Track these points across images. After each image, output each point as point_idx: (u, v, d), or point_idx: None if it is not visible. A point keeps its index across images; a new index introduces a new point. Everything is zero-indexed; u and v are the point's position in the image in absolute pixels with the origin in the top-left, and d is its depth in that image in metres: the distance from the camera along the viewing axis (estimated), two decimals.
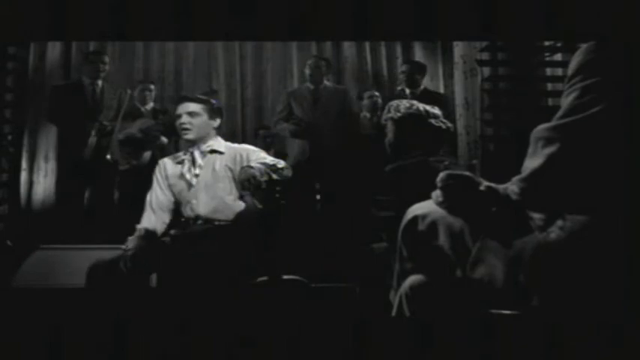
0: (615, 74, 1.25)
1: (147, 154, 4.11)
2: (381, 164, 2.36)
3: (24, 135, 5.03)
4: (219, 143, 2.66)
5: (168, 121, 4.21)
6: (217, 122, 2.68)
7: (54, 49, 5.22)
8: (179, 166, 2.65)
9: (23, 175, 5.03)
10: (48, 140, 5.09)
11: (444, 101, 4.44)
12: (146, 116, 4.43)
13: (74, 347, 1.39)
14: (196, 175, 2.58)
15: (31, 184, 5.07)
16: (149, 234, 2.52)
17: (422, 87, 4.45)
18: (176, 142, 4.45)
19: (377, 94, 4.82)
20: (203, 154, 2.62)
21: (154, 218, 2.60)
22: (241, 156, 2.56)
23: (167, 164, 2.69)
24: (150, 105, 4.61)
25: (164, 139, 4.29)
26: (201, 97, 2.72)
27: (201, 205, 2.55)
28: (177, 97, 2.83)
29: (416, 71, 4.46)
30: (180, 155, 2.69)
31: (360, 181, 3.64)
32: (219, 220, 2.53)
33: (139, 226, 2.56)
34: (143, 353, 1.39)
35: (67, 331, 1.41)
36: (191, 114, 2.60)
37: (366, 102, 4.75)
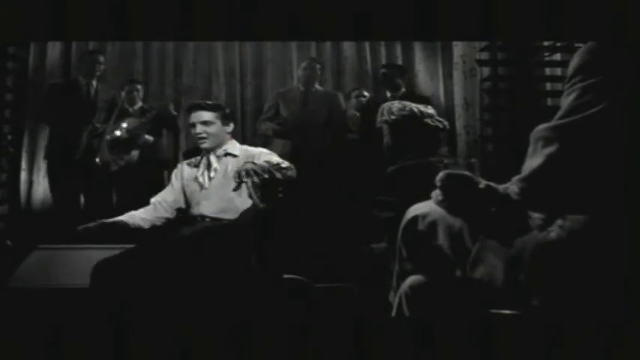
0: (615, 74, 1.25)
1: (134, 154, 4.12)
2: (377, 165, 2.36)
3: (24, 135, 5.03)
4: (233, 146, 2.72)
5: (155, 117, 4.22)
6: (231, 127, 2.73)
7: (54, 49, 5.22)
8: (195, 169, 2.71)
9: (23, 175, 5.03)
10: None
11: (428, 104, 4.42)
12: (134, 116, 4.41)
13: (74, 347, 1.39)
14: (210, 178, 2.63)
15: (30, 184, 5.06)
16: (132, 216, 2.62)
17: (403, 89, 4.40)
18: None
19: (365, 93, 4.81)
20: (218, 157, 2.67)
21: (150, 208, 2.68)
22: (253, 157, 2.57)
23: (184, 167, 2.76)
24: (138, 105, 4.59)
25: (149, 138, 4.25)
26: (213, 103, 2.75)
27: (211, 205, 2.59)
28: (189, 105, 2.81)
29: (396, 74, 4.39)
30: (196, 159, 2.74)
31: (357, 181, 3.63)
32: (225, 220, 2.56)
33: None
34: (143, 353, 1.39)
35: (67, 331, 1.41)
36: (205, 123, 2.64)
37: (353, 101, 4.75)
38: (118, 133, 4.03)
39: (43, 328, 1.41)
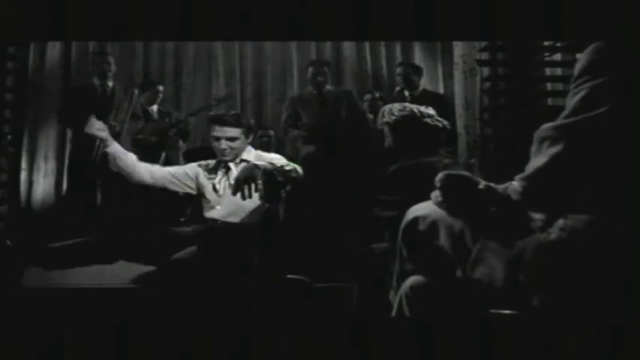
0: (622, 75, 1.25)
1: (163, 156, 4.15)
2: (382, 165, 2.37)
3: (24, 135, 5.03)
4: (249, 153, 2.72)
5: (182, 128, 4.26)
6: (251, 138, 2.75)
7: (54, 49, 5.22)
8: (211, 173, 2.71)
9: (23, 175, 5.03)
10: (48, 140, 5.10)
11: (443, 101, 4.44)
12: (152, 118, 4.45)
13: (74, 347, 1.39)
14: (230, 185, 2.61)
15: (30, 183, 5.07)
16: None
17: (420, 88, 4.43)
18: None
19: (377, 95, 4.80)
20: (236, 164, 2.68)
21: (164, 170, 2.73)
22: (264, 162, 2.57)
23: (199, 171, 2.75)
24: (155, 106, 4.61)
25: (182, 144, 4.35)
26: (239, 119, 2.70)
27: (222, 209, 2.61)
28: (214, 116, 2.77)
29: (411, 73, 4.44)
30: (212, 163, 2.74)
31: (363, 180, 3.63)
32: (232, 222, 2.58)
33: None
34: (143, 353, 1.39)
35: (67, 331, 1.41)
36: (231, 139, 2.63)
37: (365, 104, 4.75)
38: (147, 132, 4.03)
39: (43, 328, 1.41)
